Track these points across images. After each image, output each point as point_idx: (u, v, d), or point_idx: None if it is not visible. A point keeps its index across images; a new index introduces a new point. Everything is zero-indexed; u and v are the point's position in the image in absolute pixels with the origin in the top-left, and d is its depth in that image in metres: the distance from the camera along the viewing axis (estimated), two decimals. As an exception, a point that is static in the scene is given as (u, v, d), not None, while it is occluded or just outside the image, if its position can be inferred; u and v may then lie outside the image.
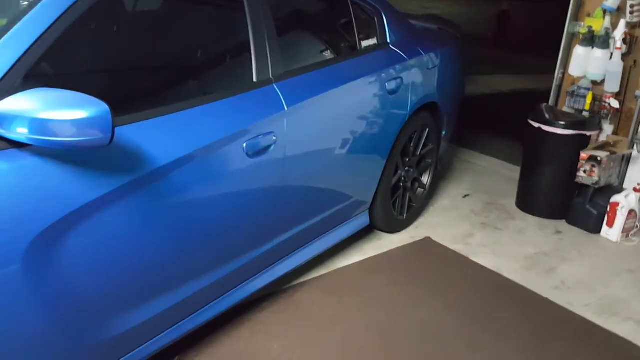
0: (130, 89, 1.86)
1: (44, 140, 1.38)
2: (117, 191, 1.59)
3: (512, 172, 4.01)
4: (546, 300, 2.62)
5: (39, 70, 1.52)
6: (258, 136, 2.02)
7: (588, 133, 3.28)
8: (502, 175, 4.07)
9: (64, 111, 1.37)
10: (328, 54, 2.56)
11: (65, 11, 1.57)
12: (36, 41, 1.50)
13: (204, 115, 1.88)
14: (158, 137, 1.72)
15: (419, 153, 3.15)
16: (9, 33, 1.48)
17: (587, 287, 2.75)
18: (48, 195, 1.47)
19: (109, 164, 1.58)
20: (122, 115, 1.59)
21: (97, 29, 1.83)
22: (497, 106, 6.00)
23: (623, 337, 2.39)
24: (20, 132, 1.38)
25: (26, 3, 1.76)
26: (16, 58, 1.46)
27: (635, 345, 2.35)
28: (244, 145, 1.97)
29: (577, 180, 3.22)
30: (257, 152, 2.02)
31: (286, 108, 2.14)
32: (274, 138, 2.08)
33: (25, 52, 1.48)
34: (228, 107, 1.97)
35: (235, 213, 2.05)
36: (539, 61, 7.73)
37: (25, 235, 1.43)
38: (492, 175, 4.07)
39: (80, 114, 1.37)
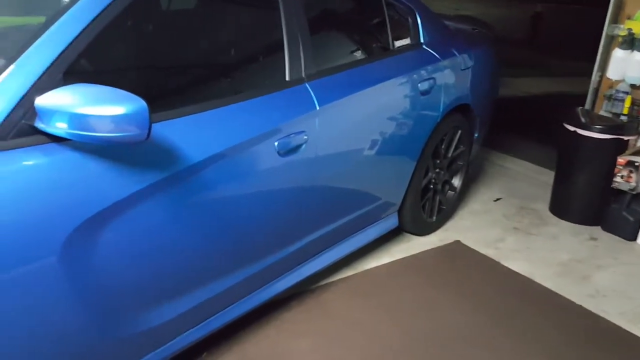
0: (165, 86, 1.88)
1: (83, 135, 1.40)
2: (152, 187, 1.61)
3: (545, 176, 3.94)
4: (580, 307, 2.56)
5: (78, 66, 1.55)
6: (290, 135, 2.02)
7: (626, 137, 3.20)
8: (535, 179, 4.00)
9: (103, 107, 1.39)
10: (360, 54, 2.55)
11: (104, 9, 1.59)
12: (76, 38, 1.53)
13: (237, 113, 1.89)
14: (192, 134, 1.73)
15: (450, 155, 3.11)
16: (50, 29, 1.51)
17: (623, 295, 2.68)
18: (85, 190, 1.49)
19: (144, 160, 1.60)
20: (156, 112, 1.60)
21: (133, 27, 1.85)
22: (530, 109, 5.91)
23: (660, 348, 2.32)
24: (60, 127, 1.40)
25: (66, 0, 1.81)
26: (57, 54, 1.49)
27: (672, 357, 2.28)
28: (276, 143, 1.97)
29: (613, 185, 3.15)
30: (289, 151, 2.02)
31: (318, 107, 2.13)
32: (305, 137, 2.08)
33: (66, 48, 1.50)
34: (261, 106, 1.98)
35: (265, 211, 2.05)
36: (573, 64, 7.61)
37: (63, 228, 1.45)
38: (525, 179, 3.99)
39: (118, 109, 1.39)
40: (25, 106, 1.42)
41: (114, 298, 1.64)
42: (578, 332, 2.40)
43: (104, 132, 1.40)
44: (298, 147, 2.06)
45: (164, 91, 1.85)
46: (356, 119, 2.35)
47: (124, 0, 1.64)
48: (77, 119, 1.38)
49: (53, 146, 1.45)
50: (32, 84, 1.43)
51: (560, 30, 9.35)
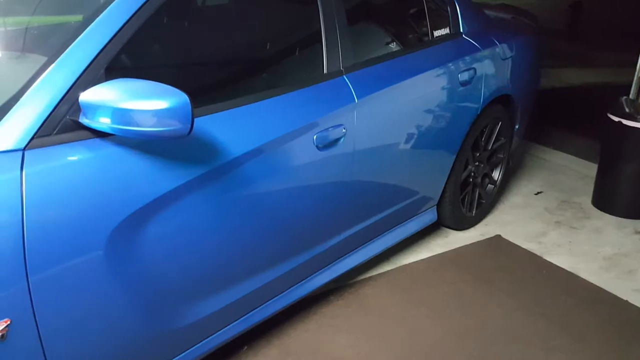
0: (204, 81, 1.88)
1: (126, 130, 1.40)
2: (193, 182, 1.61)
3: (587, 169, 3.83)
4: (626, 302, 2.47)
5: (118, 62, 1.56)
6: (328, 128, 2.00)
7: (675, 128, 3.07)
8: (576, 172, 3.88)
9: (146, 101, 1.39)
10: (399, 45, 2.50)
11: (142, 6, 1.59)
12: (116, 34, 1.53)
13: (275, 107, 1.88)
14: (232, 128, 1.73)
15: (490, 147, 3.04)
16: (91, 26, 1.52)
17: (672, 291, 2.58)
18: (130, 184, 1.50)
19: (185, 155, 1.60)
20: (196, 106, 1.60)
21: (171, 23, 1.86)
22: (570, 100, 5.73)
23: None
24: (103, 122, 1.41)
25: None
26: (98, 50, 1.50)
27: None
28: (314, 137, 1.95)
29: (661, 178, 3.03)
30: (327, 144, 2.00)
31: (356, 100, 2.10)
32: (344, 130, 2.05)
33: (106, 44, 1.51)
34: (299, 99, 1.96)
35: (304, 206, 2.04)
36: (613, 54, 7.36)
37: (108, 222, 1.46)
38: (566, 172, 3.88)
39: (161, 104, 1.39)
40: (69, 102, 1.44)
41: (160, 291, 1.66)
42: (627, 328, 2.32)
43: (147, 127, 1.40)
44: (336, 140, 2.03)
45: (203, 86, 1.85)
46: (395, 111, 2.31)
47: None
48: (120, 114, 1.39)
49: (97, 141, 1.47)
50: (75, 80, 1.45)
51: (600, 19, 9.05)
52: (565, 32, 8.81)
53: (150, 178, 1.54)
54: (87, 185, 1.43)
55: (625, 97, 3.40)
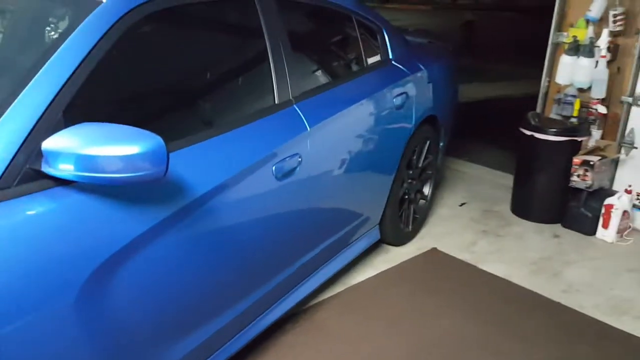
0: (164, 117, 1.83)
1: (95, 177, 1.33)
2: (162, 223, 1.56)
3: (501, 179, 4.12)
4: (559, 304, 2.69)
5: (76, 104, 1.47)
6: (285, 158, 2.01)
7: (579, 139, 3.40)
8: (492, 182, 4.16)
9: (117, 146, 1.33)
10: (338, 72, 2.58)
11: (93, 47, 1.52)
12: (71, 75, 1.46)
13: (234, 141, 1.86)
14: (195, 165, 1.69)
15: (421, 165, 3.19)
16: (43, 69, 1.43)
17: (593, 288, 2.84)
18: (97, 233, 1.42)
19: (153, 196, 1.55)
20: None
21: (128, 59, 1.76)
22: (478, 114, 6.13)
23: (638, 336, 2.47)
24: (67, 169, 1.33)
25: (53, 34, 1.72)
26: (54, 93, 1.42)
27: (651, 343, 2.43)
28: (273, 168, 1.96)
29: (571, 184, 3.33)
30: (285, 174, 2.01)
31: (309, 129, 2.14)
32: (299, 159, 2.07)
33: (62, 86, 1.44)
34: (256, 131, 1.96)
35: (266, 237, 2.03)
36: (509, 68, 7.98)
37: (76, 276, 1.38)
38: (482, 183, 4.15)
39: (132, 149, 1.33)
40: (27, 150, 1.35)
41: (131, 336, 1.58)
42: (563, 328, 2.52)
43: (118, 173, 1.34)
44: (293, 170, 2.05)
45: (163, 122, 1.80)
46: (343, 137, 2.38)
47: (117, 31, 1.58)
48: (89, 161, 1.32)
49: (60, 190, 1.38)
50: (32, 127, 1.36)
51: (491, 37, 9.79)
52: (461, 49, 9.43)
53: (118, 224, 1.47)
54: (53, 237, 1.35)
55: (532, 112, 3.71)
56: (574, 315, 2.61)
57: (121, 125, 1.40)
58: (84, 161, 1.33)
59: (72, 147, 1.34)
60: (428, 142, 3.19)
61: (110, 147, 1.34)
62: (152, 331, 1.66)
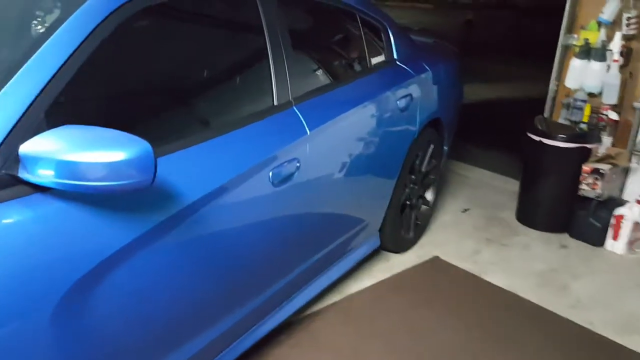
0: (156, 120, 1.71)
1: (78, 185, 1.22)
2: (151, 232, 1.45)
3: (504, 184, 4.01)
4: (567, 320, 2.57)
5: (59, 105, 1.35)
6: (283, 163, 1.89)
7: (589, 146, 3.28)
8: (496, 187, 4.05)
9: (102, 152, 1.22)
10: (341, 73, 2.46)
11: (78, 46, 1.40)
12: (55, 73, 1.34)
13: (230, 144, 1.74)
14: (188, 170, 1.58)
15: (423, 170, 3.07)
16: (25, 66, 1.32)
17: (603, 304, 2.72)
18: (77, 244, 1.31)
19: (141, 203, 1.43)
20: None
21: (118, 58, 1.64)
22: (480, 115, 6.01)
23: (649, 357, 2.37)
24: (49, 176, 1.22)
25: (39, 28, 1.60)
26: (35, 94, 1.30)
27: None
28: (270, 174, 1.84)
29: (580, 193, 3.21)
30: (282, 180, 1.90)
31: (308, 132, 2.02)
32: (298, 165, 1.96)
33: (46, 85, 1.32)
34: (253, 134, 1.84)
35: (261, 247, 1.91)
36: (509, 68, 7.86)
37: (55, 289, 1.27)
38: (486, 188, 4.04)
39: (118, 155, 1.22)
40: (3, 154, 1.23)
41: (117, 352, 1.48)
42: (571, 346, 2.40)
43: (103, 181, 1.23)
44: (291, 175, 1.93)
45: (155, 125, 1.68)
46: (344, 141, 2.26)
47: (103, 30, 1.46)
48: (71, 167, 1.21)
49: (39, 197, 1.27)
50: (9, 129, 1.25)
51: (491, 35, 9.67)
52: (461, 49, 9.32)
53: (102, 234, 1.36)
54: (29, 248, 1.23)
55: (539, 116, 3.60)
56: (582, 332, 2.50)
57: (106, 129, 1.29)
58: (65, 167, 1.22)
59: (53, 151, 1.23)
60: (432, 146, 3.08)
61: (94, 152, 1.22)
62: (139, 345, 1.55)
